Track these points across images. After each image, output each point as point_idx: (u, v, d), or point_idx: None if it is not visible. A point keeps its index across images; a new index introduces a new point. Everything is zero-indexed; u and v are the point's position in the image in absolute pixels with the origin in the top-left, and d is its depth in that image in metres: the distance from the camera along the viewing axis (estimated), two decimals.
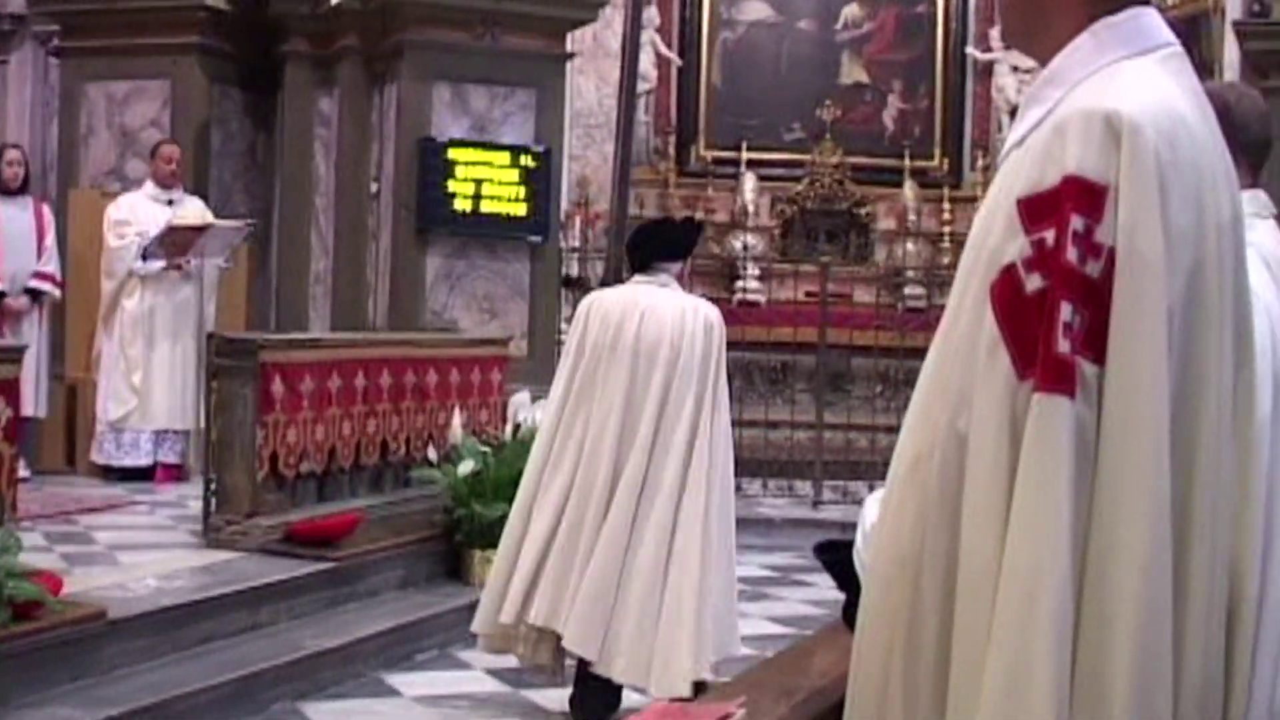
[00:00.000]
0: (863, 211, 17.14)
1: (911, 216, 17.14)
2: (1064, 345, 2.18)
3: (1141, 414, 2.19)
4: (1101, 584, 2.18)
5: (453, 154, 12.27)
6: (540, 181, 12.54)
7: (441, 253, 12.32)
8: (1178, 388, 2.24)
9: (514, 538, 7.03)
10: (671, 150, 17.22)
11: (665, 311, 6.96)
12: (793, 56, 17.61)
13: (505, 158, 12.43)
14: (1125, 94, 2.29)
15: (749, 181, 16.87)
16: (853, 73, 17.73)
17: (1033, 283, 2.23)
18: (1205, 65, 12.41)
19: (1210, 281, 2.28)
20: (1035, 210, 2.25)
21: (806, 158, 17.17)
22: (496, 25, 12.26)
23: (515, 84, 12.48)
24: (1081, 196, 2.21)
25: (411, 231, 12.23)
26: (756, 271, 16.36)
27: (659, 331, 6.93)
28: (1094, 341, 2.20)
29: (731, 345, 15.07)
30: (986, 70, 17.54)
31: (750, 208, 16.77)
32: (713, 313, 7.12)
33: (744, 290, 16.16)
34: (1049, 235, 2.22)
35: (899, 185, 17.16)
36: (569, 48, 13.33)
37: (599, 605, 6.72)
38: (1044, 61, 2.45)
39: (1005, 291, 2.25)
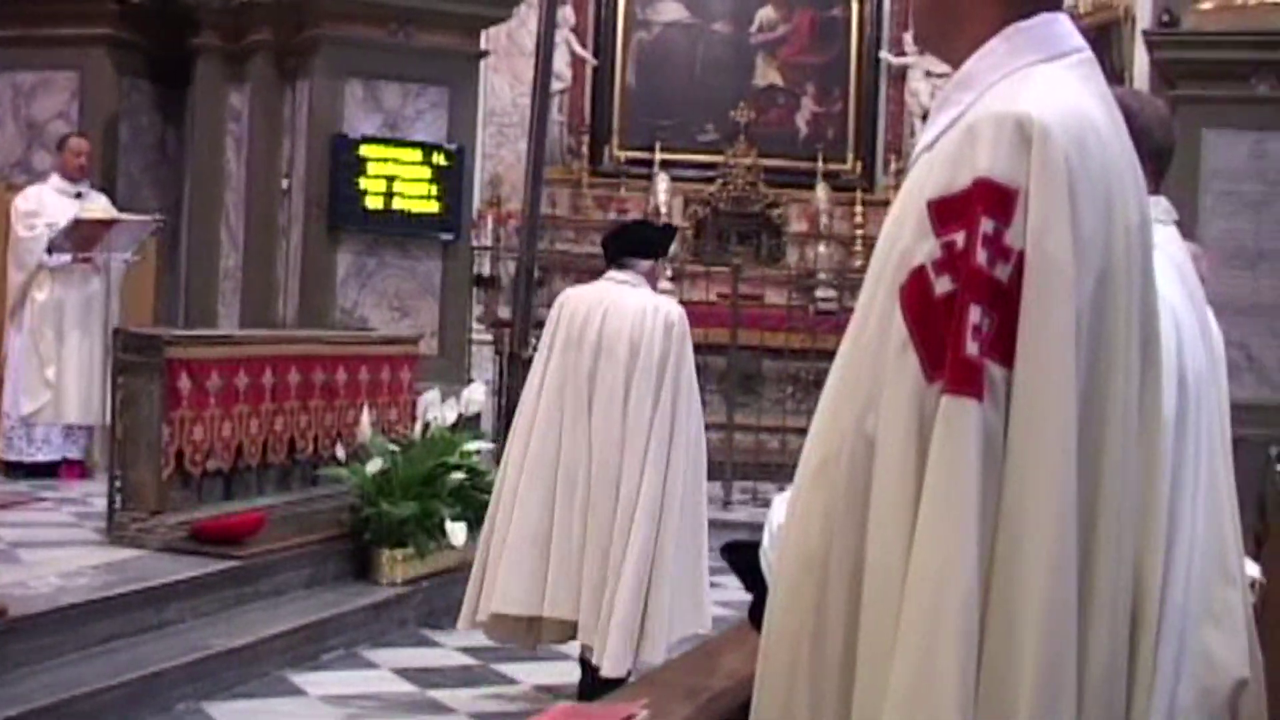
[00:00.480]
0: (775, 213, 17.17)
1: (824, 219, 17.18)
2: (972, 348, 2.18)
3: (1048, 416, 2.19)
4: (1008, 585, 2.18)
5: (365, 151, 12.20)
6: (452, 180, 12.49)
7: (352, 250, 12.25)
8: (1085, 390, 2.24)
9: (500, 533, 7.20)
10: (585, 150, 17.19)
11: (627, 310, 7.12)
12: (707, 58, 17.63)
13: (417, 155, 12.39)
14: (1037, 98, 2.29)
15: (662, 182, 16.87)
16: (767, 75, 17.76)
17: (942, 285, 2.23)
18: (1116, 73, 12.51)
19: (1118, 285, 2.29)
20: (946, 212, 2.25)
21: (720, 159, 17.18)
22: (410, 22, 12.20)
23: (428, 81, 12.43)
24: (992, 199, 2.21)
25: (322, 228, 12.15)
26: (669, 273, 16.35)
27: (619, 329, 7.09)
28: (1002, 344, 2.20)
29: None
30: (900, 75, 17.62)
31: (663, 209, 16.75)
32: (674, 312, 7.26)
33: (656, 291, 16.11)
34: (959, 238, 2.22)
35: (812, 188, 17.20)
36: (483, 46, 13.30)
37: (594, 595, 6.97)
38: (956, 65, 2.45)
39: (914, 293, 2.25)
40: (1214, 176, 10.57)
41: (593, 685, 6.91)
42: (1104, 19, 13.14)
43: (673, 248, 16.48)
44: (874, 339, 2.30)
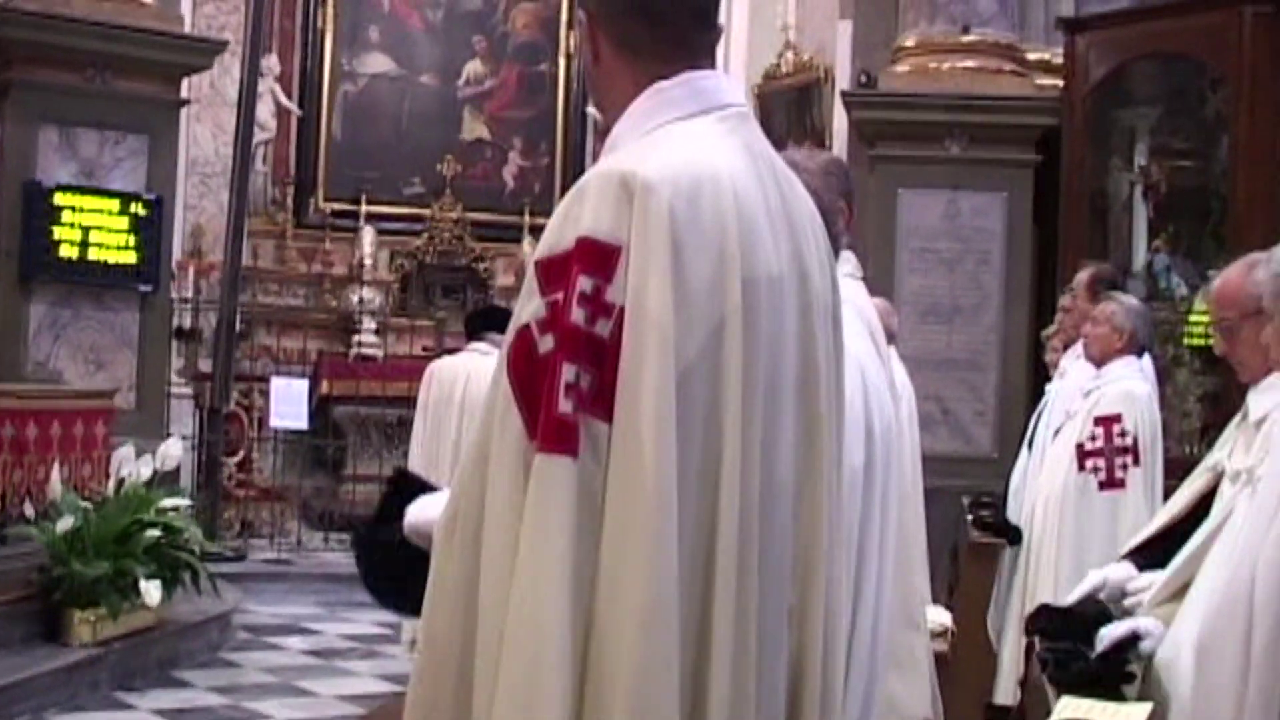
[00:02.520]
0: (482, 267, 17.15)
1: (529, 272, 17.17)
2: (566, 405, 2.18)
3: (644, 470, 2.18)
4: (603, 640, 2.17)
5: (59, 199, 11.83)
6: (151, 230, 12.19)
7: (46, 300, 11.86)
8: (703, 442, 2.24)
9: None
10: (290, 201, 16.93)
11: (487, 375, 7.16)
12: (414, 110, 17.55)
13: (115, 204, 12.05)
14: (648, 156, 2.31)
15: (368, 235, 16.71)
16: (474, 129, 17.75)
17: (545, 344, 2.23)
18: (817, 133, 12.78)
19: (734, 337, 2.28)
20: (551, 272, 2.27)
21: (426, 212, 17.09)
22: (108, 68, 11.89)
23: (127, 129, 12.11)
24: (592, 257, 2.22)
25: (14, 278, 11.73)
26: (373, 326, 16.21)
27: (480, 392, 7.17)
28: (605, 400, 2.20)
29: (347, 399, 14.93)
30: (606, 130, 17.72)
31: (369, 261, 16.60)
32: None
33: (360, 345, 15.97)
34: (560, 296, 2.22)
35: (518, 241, 17.20)
36: (185, 94, 13.03)
37: None
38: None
39: (519, 353, 2.26)
40: (910, 234, 10.84)
41: None
42: (805, 79, 13.40)
43: (376, 300, 16.50)
44: (491, 398, 2.31)
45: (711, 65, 2.51)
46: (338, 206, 17.12)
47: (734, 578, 2.25)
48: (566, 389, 2.18)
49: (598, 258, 2.22)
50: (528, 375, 2.23)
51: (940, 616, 5.86)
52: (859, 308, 3.72)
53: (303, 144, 17.15)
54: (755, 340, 2.31)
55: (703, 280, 2.25)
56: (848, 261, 4.24)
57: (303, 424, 13.62)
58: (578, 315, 2.20)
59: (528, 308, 2.26)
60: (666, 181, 2.25)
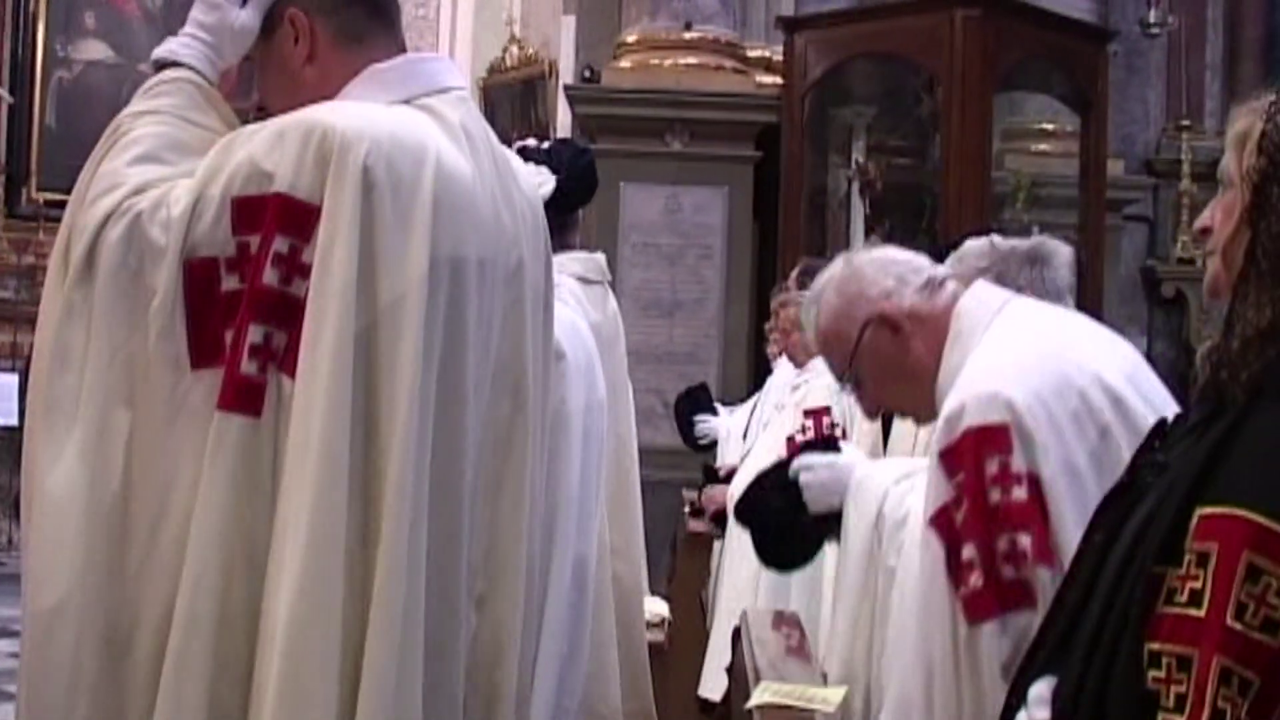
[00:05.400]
0: None
1: None
2: (250, 366, 2.17)
3: (315, 433, 2.18)
4: (268, 602, 2.18)
5: None
6: None
7: None
8: (364, 408, 2.22)
9: None
10: (1, 192, 16.44)
11: None
12: (132, 99, 17.11)
13: None
14: (351, 111, 2.29)
15: None
16: None
17: (230, 282, 2.20)
18: (542, 127, 12.78)
19: (416, 308, 2.26)
20: (243, 212, 2.24)
21: None
22: None
23: None
24: (289, 216, 2.22)
25: None
26: None
27: None
28: (293, 358, 2.20)
29: None
30: None
31: None
32: None
33: None
34: (253, 245, 2.21)
35: None
36: None
37: None
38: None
39: (197, 282, 2.23)
40: (632, 229, 10.88)
41: None
42: (530, 73, 13.41)
43: None
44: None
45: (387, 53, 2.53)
46: (52, 196, 16.61)
47: (398, 547, 2.23)
48: (252, 350, 2.17)
49: (295, 218, 2.20)
50: (202, 306, 2.22)
51: (657, 607, 5.89)
52: (586, 307, 3.77)
53: (14, 132, 16.66)
54: (458, 319, 2.31)
55: (389, 248, 2.23)
56: (592, 261, 4.27)
57: (14, 420, 13.21)
58: (271, 276, 2.18)
59: (215, 239, 2.22)
60: (365, 139, 2.24)
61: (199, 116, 2.41)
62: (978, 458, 2.66)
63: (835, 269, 3.20)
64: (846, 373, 3.14)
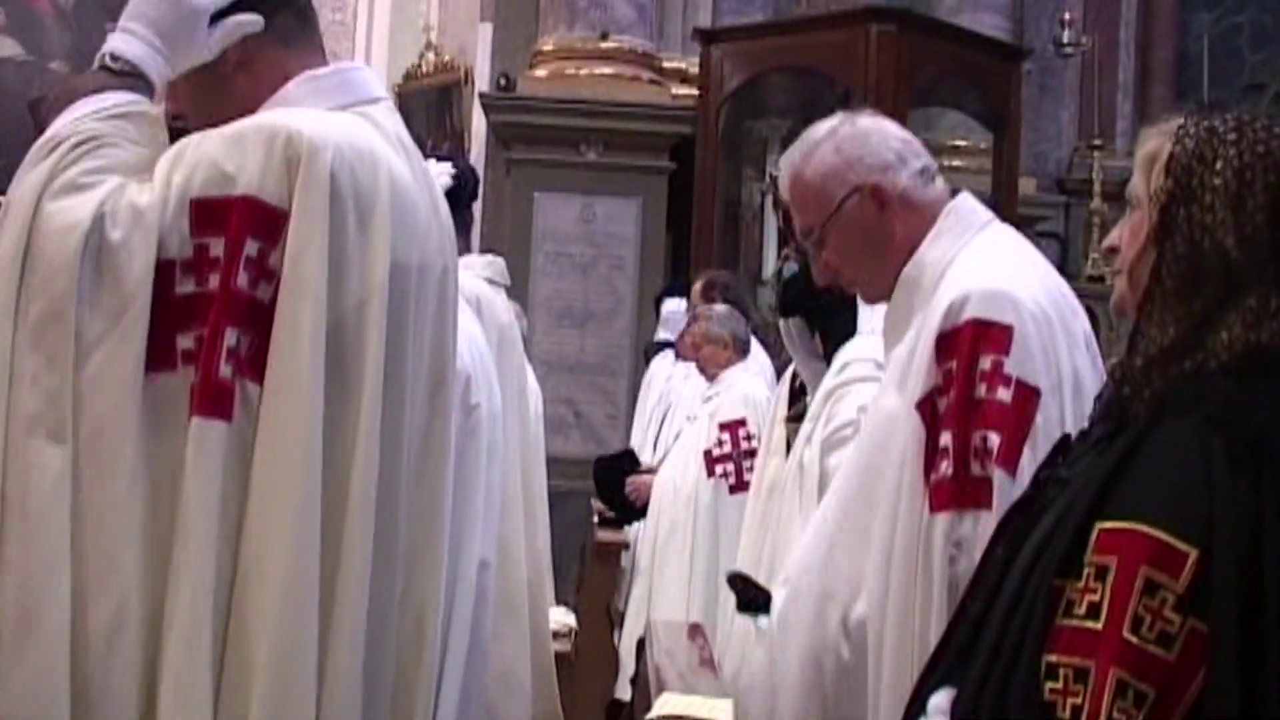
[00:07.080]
0: None
1: None
2: (226, 370, 2.16)
3: (287, 436, 2.20)
4: (244, 601, 2.18)
5: None
6: None
7: None
8: (329, 411, 2.24)
9: None
10: None
11: None
12: None
13: None
14: (311, 117, 2.30)
15: None
16: None
17: (184, 286, 2.19)
18: (457, 134, 12.73)
19: (378, 313, 2.29)
20: (204, 215, 2.21)
21: None
22: None
23: None
24: (257, 220, 2.22)
25: None
26: None
27: None
28: (261, 363, 2.20)
29: None
30: None
31: None
32: None
33: None
34: (216, 246, 2.19)
35: None
36: None
37: None
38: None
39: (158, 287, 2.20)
40: (545, 238, 10.86)
41: None
42: (445, 80, 13.35)
43: None
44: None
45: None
46: None
47: (360, 560, 2.26)
48: (228, 354, 2.16)
49: (264, 222, 2.19)
50: (158, 309, 2.18)
51: (564, 617, 5.89)
52: (497, 312, 3.77)
53: None
54: (401, 324, 2.33)
55: (353, 254, 2.26)
56: (493, 264, 4.27)
57: None
58: (243, 280, 2.17)
59: (173, 242, 2.19)
60: (329, 145, 2.24)
61: (146, 145, 2.38)
62: (973, 351, 2.71)
63: (836, 124, 3.10)
64: (815, 230, 3.06)
